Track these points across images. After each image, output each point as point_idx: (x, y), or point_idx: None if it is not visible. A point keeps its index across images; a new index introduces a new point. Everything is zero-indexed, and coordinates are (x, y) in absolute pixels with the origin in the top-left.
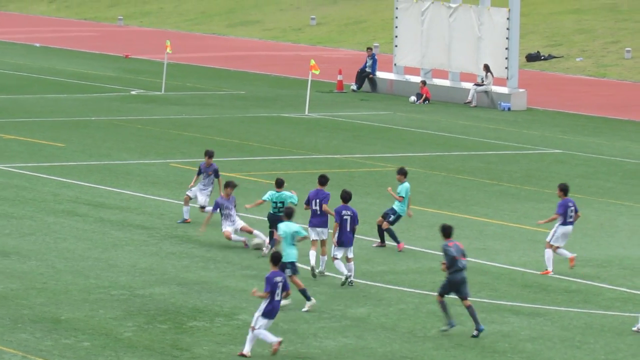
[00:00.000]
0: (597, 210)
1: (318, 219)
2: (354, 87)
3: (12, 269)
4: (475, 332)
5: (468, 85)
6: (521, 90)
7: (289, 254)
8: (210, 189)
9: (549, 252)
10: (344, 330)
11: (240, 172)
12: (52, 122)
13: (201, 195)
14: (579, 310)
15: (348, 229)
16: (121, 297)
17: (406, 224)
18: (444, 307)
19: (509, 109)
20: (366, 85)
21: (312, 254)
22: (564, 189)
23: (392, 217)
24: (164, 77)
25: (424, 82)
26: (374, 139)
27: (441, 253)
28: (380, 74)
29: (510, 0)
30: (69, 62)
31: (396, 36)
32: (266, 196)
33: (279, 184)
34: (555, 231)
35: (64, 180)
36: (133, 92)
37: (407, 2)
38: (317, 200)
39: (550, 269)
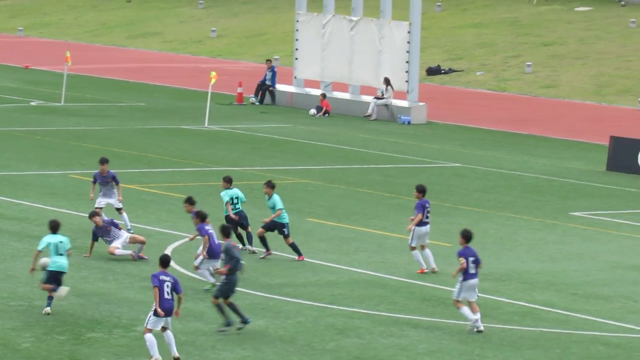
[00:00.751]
0: (497, 224)
1: None
2: (254, 99)
3: None
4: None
5: (368, 98)
6: (421, 103)
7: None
8: (115, 192)
9: (416, 254)
10: (242, 343)
11: (139, 183)
12: None
13: (110, 199)
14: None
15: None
16: (19, 308)
17: (305, 236)
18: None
19: (409, 122)
20: (266, 97)
21: None
22: (422, 190)
23: (287, 231)
24: (63, 88)
25: (324, 95)
26: (274, 152)
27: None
28: (280, 87)
29: (411, 14)
30: None
31: (296, 49)
32: (225, 198)
33: (229, 181)
34: (412, 233)
35: None
36: (33, 103)
37: (307, 15)
38: None
39: (424, 267)
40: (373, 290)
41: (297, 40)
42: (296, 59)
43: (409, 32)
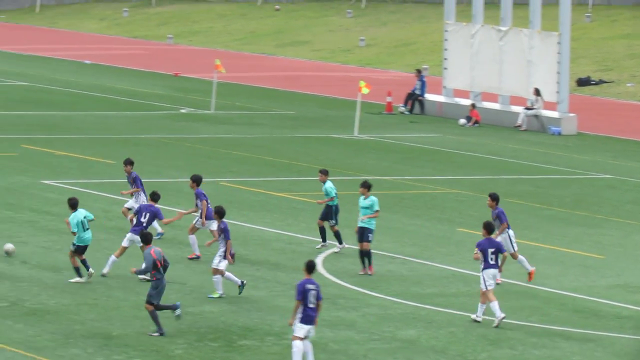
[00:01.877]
0: None
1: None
2: (403, 108)
3: (63, 284)
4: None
5: (518, 109)
6: (571, 114)
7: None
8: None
9: (521, 258)
10: (394, 352)
11: (290, 191)
12: (102, 139)
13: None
14: (630, 337)
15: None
16: (172, 315)
17: (456, 246)
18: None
19: (559, 133)
20: (416, 107)
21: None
22: (495, 198)
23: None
24: (213, 96)
25: (473, 105)
26: (423, 161)
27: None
28: (429, 97)
29: (561, 25)
30: (119, 79)
31: (445, 59)
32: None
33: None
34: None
35: (115, 197)
36: (182, 111)
37: (456, 25)
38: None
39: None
40: (525, 302)
41: (446, 50)
42: (445, 68)
43: (558, 42)
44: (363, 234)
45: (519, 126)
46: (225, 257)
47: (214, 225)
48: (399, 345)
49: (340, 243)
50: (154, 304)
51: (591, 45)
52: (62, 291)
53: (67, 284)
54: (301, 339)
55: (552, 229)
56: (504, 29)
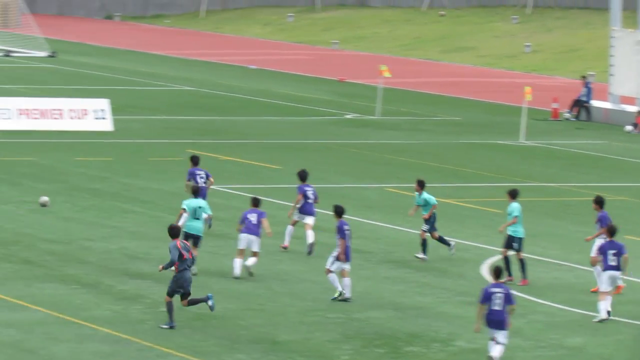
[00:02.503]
0: None
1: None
2: (568, 114)
3: (230, 289)
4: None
5: None
6: None
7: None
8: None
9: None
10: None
11: (456, 198)
12: (267, 144)
13: None
14: None
15: (349, 244)
16: (337, 321)
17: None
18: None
19: None
20: (582, 113)
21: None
22: (600, 202)
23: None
24: (378, 101)
25: None
26: (589, 168)
27: None
28: (595, 103)
29: None
30: (283, 84)
31: (611, 65)
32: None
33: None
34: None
35: (280, 202)
36: (347, 116)
37: (622, 32)
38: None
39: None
40: None
41: (612, 56)
42: (611, 75)
43: None
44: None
45: None
46: (338, 258)
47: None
48: (565, 353)
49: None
50: (171, 296)
51: None
52: (229, 296)
53: (234, 289)
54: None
55: None
56: None
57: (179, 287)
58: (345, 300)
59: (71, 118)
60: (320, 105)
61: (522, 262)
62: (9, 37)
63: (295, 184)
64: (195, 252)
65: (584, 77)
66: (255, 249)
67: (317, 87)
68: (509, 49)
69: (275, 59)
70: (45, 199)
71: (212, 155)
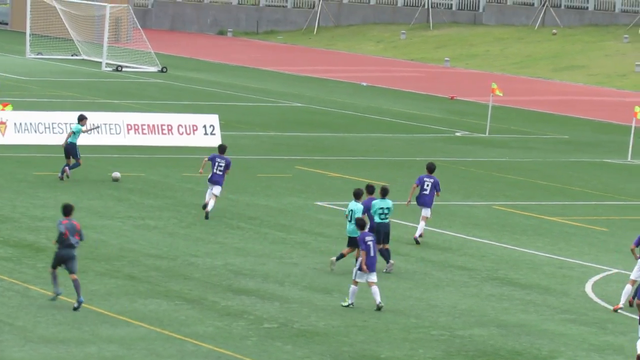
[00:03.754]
0: None
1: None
2: None
3: (333, 306)
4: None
5: None
6: None
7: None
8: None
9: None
10: None
11: (562, 216)
12: (376, 161)
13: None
14: None
15: (372, 254)
16: (441, 338)
17: None
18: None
19: None
20: None
21: None
22: None
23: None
24: (488, 119)
25: None
26: None
27: None
28: None
29: None
30: (395, 102)
31: None
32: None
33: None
34: None
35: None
36: (457, 134)
37: None
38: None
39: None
40: None
41: None
42: None
43: None
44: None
45: None
46: (360, 268)
47: None
48: None
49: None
50: (54, 267)
51: None
52: (332, 313)
53: (338, 306)
54: None
55: None
56: None
57: (59, 262)
58: (378, 308)
59: (180, 134)
60: (431, 122)
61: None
62: (120, 51)
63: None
64: None
65: None
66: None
67: (428, 104)
68: (619, 68)
69: (386, 76)
70: (117, 174)
71: (321, 172)
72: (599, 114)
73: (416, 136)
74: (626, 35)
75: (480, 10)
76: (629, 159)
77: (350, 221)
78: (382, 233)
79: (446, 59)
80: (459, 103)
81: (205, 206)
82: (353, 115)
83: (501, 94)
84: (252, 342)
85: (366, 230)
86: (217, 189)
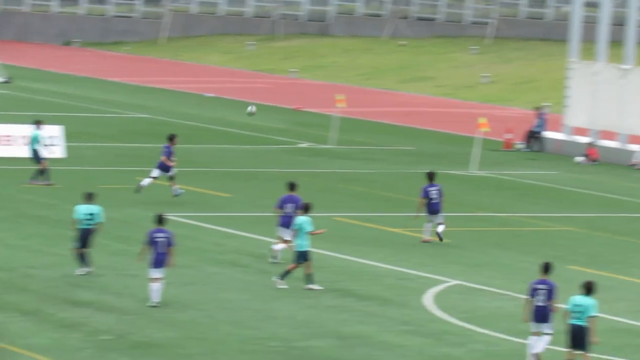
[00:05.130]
0: None
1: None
2: (522, 145)
3: (171, 318)
4: None
5: (636, 147)
6: None
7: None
8: None
9: None
10: None
11: (404, 228)
12: (219, 172)
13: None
14: None
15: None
16: (279, 349)
17: (566, 284)
18: None
19: None
20: (534, 144)
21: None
22: None
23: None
24: (333, 130)
25: (591, 143)
26: (538, 198)
27: None
28: (548, 134)
29: None
30: (239, 113)
31: (567, 96)
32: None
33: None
34: None
35: (229, 230)
36: (301, 145)
37: (579, 63)
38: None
39: None
40: (631, 340)
41: (568, 87)
42: (567, 106)
43: None
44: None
45: (636, 164)
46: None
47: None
48: None
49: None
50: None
51: None
52: (170, 324)
53: (175, 318)
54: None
55: None
56: (627, 67)
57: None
58: (154, 306)
59: (24, 144)
60: (275, 134)
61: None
62: None
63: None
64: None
65: (538, 108)
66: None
67: (273, 115)
68: (466, 80)
69: (232, 87)
70: (252, 108)
71: (164, 183)
72: (444, 126)
73: (260, 147)
74: (475, 47)
75: (329, 21)
76: (470, 170)
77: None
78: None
79: (293, 69)
80: (304, 114)
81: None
82: (197, 127)
83: (344, 106)
84: (87, 354)
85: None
86: None
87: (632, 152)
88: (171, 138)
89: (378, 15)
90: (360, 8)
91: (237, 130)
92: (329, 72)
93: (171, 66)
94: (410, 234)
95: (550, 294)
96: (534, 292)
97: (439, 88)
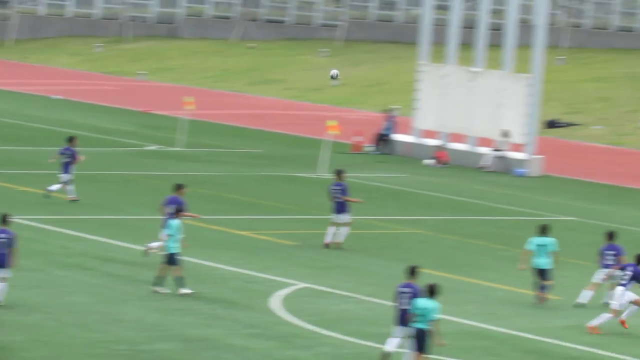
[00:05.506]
0: None
1: None
2: (371, 148)
3: (16, 321)
4: None
5: (485, 150)
6: (538, 156)
7: None
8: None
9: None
10: None
11: (251, 230)
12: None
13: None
14: None
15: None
16: (124, 353)
17: None
18: None
19: (524, 174)
20: (383, 147)
21: None
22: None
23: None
24: (181, 133)
25: (440, 146)
26: (388, 201)
27: None
28: (398, 137)
29: (533, 67)
30: (86, 115)
31: (417, 99)
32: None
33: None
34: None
35: (75, 233)
36: (149, 148)
37: (429, 66)
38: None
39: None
40: (478, 342)
41: (417, 90)
42: (416, 109)
43: (529, 84)
44: None
45: (485, 167)
46: None
47: None
48: None
49: None
50: None
51: (562, 87)
52: (15, 328)
53: (19, 321)
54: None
55: (510, 270)
56: (476, 70)
57: None
58: None
59: None
60: (123, 136)
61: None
62: None
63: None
64: None
65: (387, 111)
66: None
67: (120, 118)
68: (316, 82)
69: (80, 89)
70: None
71: (9, 185)
72: (293, 128)
73: (108, 150)
74: (325, 49)
75: (178, 23)
76: (320, 173)
77: None
78: None
79: (141, 72)
80: (152, 117)
81: None
82: (44, 129)
83: (192, 108)
84: None
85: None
86: None
87: (481, 155)
88: (71, 139)
89: (227, 18)
90: (209, 10)
91: (84, 133)
92: (177, 74)
93: (19, 68)
94: (259, 236)
95: (415, 297)
96: (399, 295)
97: (288, 90)
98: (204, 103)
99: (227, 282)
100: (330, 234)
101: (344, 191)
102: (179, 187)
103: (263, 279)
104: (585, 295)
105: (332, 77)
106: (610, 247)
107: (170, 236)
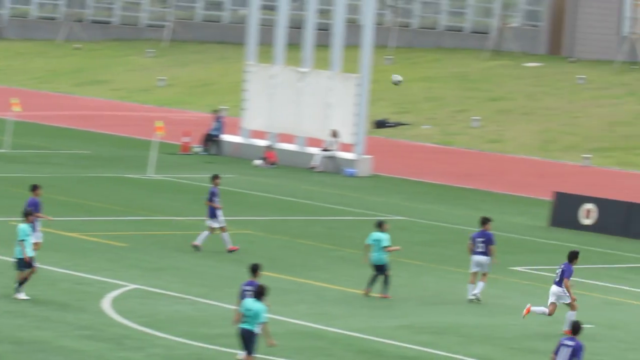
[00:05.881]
0: (436, 278)
1: None
2: (199, 149)
3: None
4: None
5: (314, 150)
6: (367, 156)
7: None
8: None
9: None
10: None
11: (80, 232)
12: None
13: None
14: None
15: None
16: None
17: None
18: None
19: (354, 174)
20: (212, 147)
21: None
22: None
23: None
24: (7, 134)
25: (269, 146)
26: None
27: None
28: (226, 137)
29: (361, 67)
30: None
31: (245, 99)
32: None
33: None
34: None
35: None
36: None
37: (257, 66)
38: None
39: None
40: (311, 342)
41: (245, 90)
42: (244, 109)
43: (358, 84)
44: None
45: (315, 167)
46: None
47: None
48: None
49: None
50: None
51: (391, 87)
52: None
53: None
54: None
55: (341, 270)
56: (304, 70)
57: None
58: None
59: None
60: None
61: None
62: None
63: None
64: None
65: (215, 112)
66: None
67: None
68: (142, 83)
69: None
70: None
71: None
72: (121, 129)
73: None
74: (151, 50)
75: (2, 24)
76: (149, 174)
77: None
78: None
79: None
80: None
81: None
82: None
83: (20, 110)
84: None
85: None
86: None
87: (310, 155)
88: None
89: (52, 19)
90: (34, 11)
91: None
92: (2, 75)
93: None
94: (88, 238)
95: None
96: (242, 293)
97: (114, 91)
98: (30, 104)
99: (58, 284)
100: (202, 238)
101: (212, 195)
102: (34, 188)
103: (93, 280)
104: (473, 289)
105: (395, 83)
106: (481, 234)
107: (23, 241)
